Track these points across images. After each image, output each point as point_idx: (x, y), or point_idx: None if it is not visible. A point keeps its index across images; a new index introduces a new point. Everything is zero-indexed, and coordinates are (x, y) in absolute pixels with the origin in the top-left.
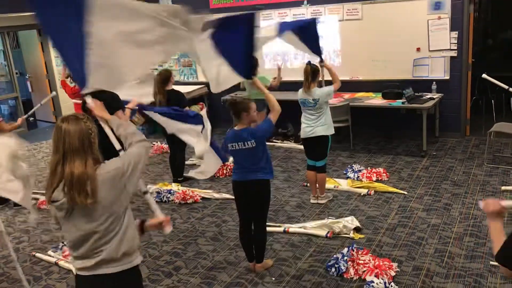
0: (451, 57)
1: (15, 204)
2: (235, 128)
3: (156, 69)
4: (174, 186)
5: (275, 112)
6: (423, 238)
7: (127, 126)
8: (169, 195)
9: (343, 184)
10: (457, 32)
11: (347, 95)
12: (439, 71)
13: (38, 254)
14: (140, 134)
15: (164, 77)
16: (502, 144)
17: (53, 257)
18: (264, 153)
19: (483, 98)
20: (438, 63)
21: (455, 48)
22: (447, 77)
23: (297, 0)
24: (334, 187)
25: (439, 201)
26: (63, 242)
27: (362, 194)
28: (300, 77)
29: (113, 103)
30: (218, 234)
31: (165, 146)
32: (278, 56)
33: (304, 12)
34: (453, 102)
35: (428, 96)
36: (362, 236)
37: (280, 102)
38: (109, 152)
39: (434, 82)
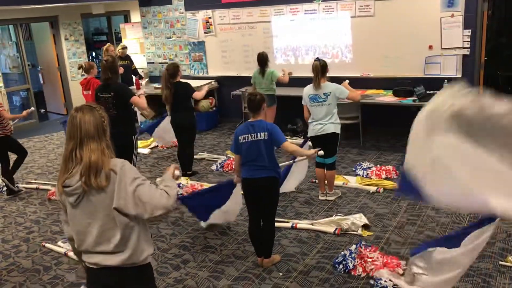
0: (464, 55)
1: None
2: (250, 120)
3: (167, 63)
4: (183, 180)
5: (296, 153)
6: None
7: (171, 183)
8: (178, 188)
9: (352, 181)
10: (470, 30)
11: (358, 92)
12: (451, 69)
13: (48, 245)
14: (174, 190)
15: (172, 72)
16: None
17: (62, 247)
18: (273, 152)
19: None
20: (451, 61)
21: (468, 46)
22: (459, 75)
23: None
24: (343, 184)
25: None
26: None
27: (371, 191)
28: (309, 73)
29: (124, 94)
30: (226, 228)
31: (174, 140)
32: (289, 51)
33: (316, 8)
34: None
35: None
36: (370, 233)
37: (290, 98)
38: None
39: (446, 80)
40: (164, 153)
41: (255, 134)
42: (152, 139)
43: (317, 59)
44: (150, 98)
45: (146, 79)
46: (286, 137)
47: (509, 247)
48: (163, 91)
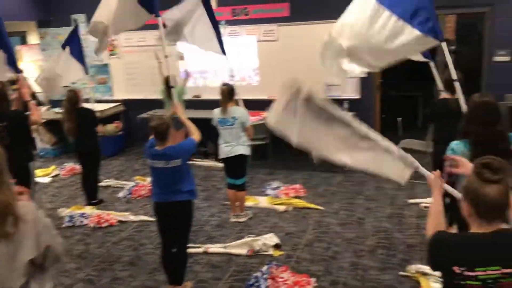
0: (362, 78)
1: None
2: (157, 147)
3: (68, 86)
4: (88, 209)
5: (196, 135)
6: (339, 252)
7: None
8: (82, 219)
9: (262, 201)
10: None
11: (265, 114)
12: (350, 90)
13: None
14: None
15: (73, 100)
16: None
17: None
18: (187, 173)
19: (391, 116)
20: (350, 83)
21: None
22: (359, 96)
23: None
24: (254, 204)
25: (353, 215)
26: None
27: (280, 210)
28: (218, 96)
29: (20, 122)
30: (136, 258)
31: (78, 166)
32: (197, 74)
33: (221, 32)
34: (364, 120)
35: None
36: (281, 252)
37: (200, 120)
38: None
39: (346, 101)
40: (67, 182)
41: (166, 161)
42: (53, 167)
43: (224, 83)
44: (50, 123)
45: (48, 106)
46: (197, 159)
47: (408, 257)
48: (65, 123)
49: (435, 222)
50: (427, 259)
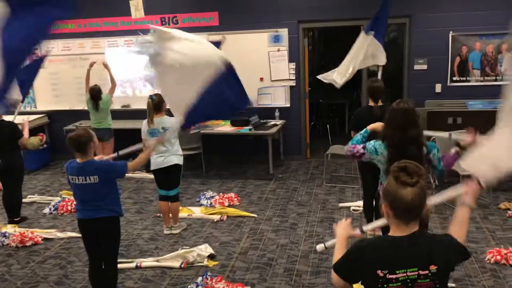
0: (291, 86)
1: None
2: (78, 160)
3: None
4: (10, 228)
5: (135, 165)
6: (273, 259)
7: None
8: (4, 238)
9: (197, 212)
10: (294, 63)
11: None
12: (281, 99)
13: None
14: None
15: None
16: (338, 165)
17: None
18: (112, 189)
19: (320, 123)
20: (280, 91)
21: (294, 78)
22: (288, 105)
23: (143, 28)
24: (188, 215)
25: (286, 221)
26: None
27: (215, 220)
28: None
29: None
30: (63, 277)
31: None
32: (126, 83)
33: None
34: (294, 127)
35: (272, 123)
36: (216, 263)
37: (128, 130)
38: None
39: (277, 110)
40: None
41: (84, 177)
42: None
43: (150, 96)
44: None
45: None
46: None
47: None
48: None
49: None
50: (345, 271)
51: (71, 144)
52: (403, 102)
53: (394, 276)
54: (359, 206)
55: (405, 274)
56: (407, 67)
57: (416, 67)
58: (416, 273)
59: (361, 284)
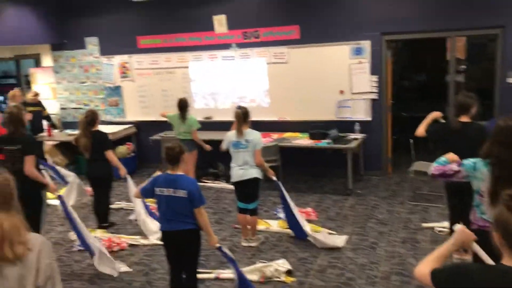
0: (372, 99)
1: None
2: (168, 172)
3: (81, 108)
4: (99, 233)
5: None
6: (352, 279)
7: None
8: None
9: (274, 225)
10: (377, 76)
11: (275, 135)
12: (361, 112)
13: None
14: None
15: (91, 119)
16: (421, 182)
17: None
18: (193, 206)
19: (403, 138)
20: (360, 105)
21: (376, 91)
22: (369, 118)
23: (226, 42)
24: (266, 228)
25: (366, 240)
26: None
27: (292, 235)
28: (229, 117)
29: (31, 146)
30: (147, 283)
31: (89, 189)
32: (208, 96)
33: (233, 55)
34: (375, 142)
35: (352, 137)
36: (293, 279)
37: (211, 141)
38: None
39: (357, 123)
40: (78, 204)
41: (174, 190)
42: (64, 189)
43: (239, 107)
44: (63, 145)
45: (60, 129)
46: (207, 181)
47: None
48: (81, 139)
49: (435, 262)
50: (442, 283)
51: (166, 155)
52: (509, 119)
53: None
54: (444, 227)
55: None
56: (499, 79)
57: (509, 80)
58: None
59: None
